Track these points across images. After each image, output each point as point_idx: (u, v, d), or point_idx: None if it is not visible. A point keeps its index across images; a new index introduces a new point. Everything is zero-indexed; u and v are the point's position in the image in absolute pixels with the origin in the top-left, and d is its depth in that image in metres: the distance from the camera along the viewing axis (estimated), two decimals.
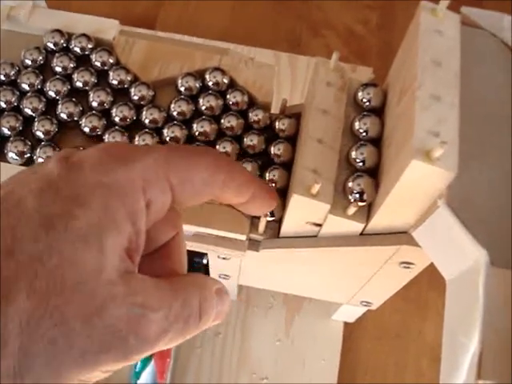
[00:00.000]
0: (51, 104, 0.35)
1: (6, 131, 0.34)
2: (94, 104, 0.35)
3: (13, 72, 0.36)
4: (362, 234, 0.31)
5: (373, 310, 0.46)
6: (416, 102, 0.25)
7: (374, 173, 0.30)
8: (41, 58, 0.36)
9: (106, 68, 0.36)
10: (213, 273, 0.42)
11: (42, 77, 0.36)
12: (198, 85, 0.36)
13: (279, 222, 0.34)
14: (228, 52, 0.38)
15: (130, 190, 0.18)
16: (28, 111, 0.35)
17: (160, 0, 0.69)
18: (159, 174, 0.19)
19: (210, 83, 0.36)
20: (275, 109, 0.37)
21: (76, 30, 0.37)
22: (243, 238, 0.33)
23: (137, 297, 0.18)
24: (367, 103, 0.32)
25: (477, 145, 0.28)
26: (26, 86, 0.35)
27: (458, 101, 0.26)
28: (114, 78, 0.36)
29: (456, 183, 0.25)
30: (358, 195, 0.29)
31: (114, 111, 0.35)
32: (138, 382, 0.49)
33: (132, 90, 0.36)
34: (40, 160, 0.33)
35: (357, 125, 0.31)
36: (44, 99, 0.35)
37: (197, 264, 0.48)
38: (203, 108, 0.36)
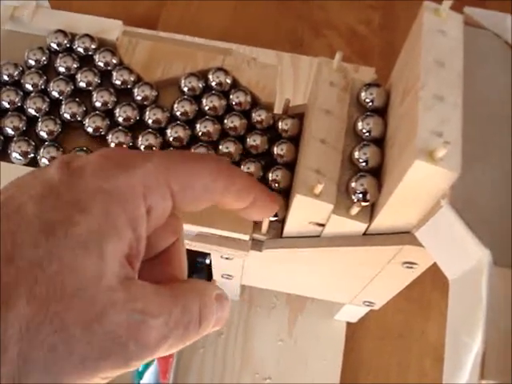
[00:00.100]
0: (55, 104, 0.35)
1: (9, 131, 0.34)
2: (98, 104, 0.35)
3: (16, 72, 0.36)
4: (365, 234, 0.31)
5: (375, 310, 0.46)
6: (419, 102, 0.25)
7: (377, 173, 0.30)
8: (44, 58, 0.37)
9: (109, 68, 0.37)
10: (216, 273, 0.42)
11: (45, 77, 0.36)
12: (201, 85, 0.36)
13: (282, 222, 0.34)
14: (231, 52, 0.38)
15: (130, 196, 0.18)
16: (31, 111, 0.35)
17: (162, 0, 0.69)
18: (160, 180, 0.19)
19: (213, 83, 0.36)
20: (278, 109, 0.37)
21: (79, 30, 0.38)
22: (246, 237, 0.33)
23: (137, 303, 0.17)
24: (370, 103, 0.32)
25: (480, 145, 0.28)
26: (29, 87, 0.35)
27: (461, 101, 0.26)
28: (117, 79, 0.36)
29: (459, 183, 0.25)
30: (361, 195, 0.29)
31: (117, 111, 0.35)
32: (141, 381, 0.49)
33: (135, 91, 0.36)
34: (43, 160, 0.33)
35: (360, 125, 0.31)
36: (47, 99, 0.35)
37: (200, 264, 0.48)
38: (206, 108, 0.36)
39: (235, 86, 0.37)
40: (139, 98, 0.36)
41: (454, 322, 0.26)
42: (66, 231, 0.17)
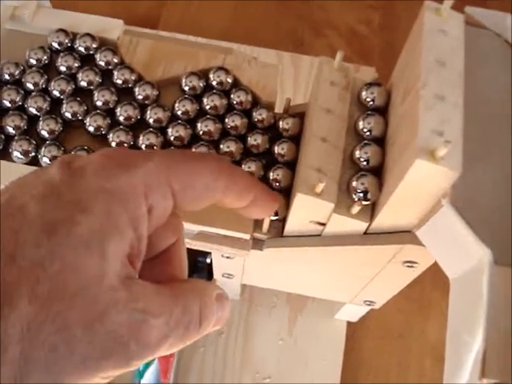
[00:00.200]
0: (56, 103, 0.35)
1: (10, 130, 0.34)
2: (99, 103, 0.35)
3: (17, 71, 0.36)
4: (365, 233, 0.32)
5: (376, 310, 0.46)
6: (420, 102, 0.25)
7: (377, 172, 0.30)
8: (45, 57, 0.37)
9: (110, 67, 0.37)
10: (216, 272, 0.42)
11: (46, 76, 0.36)
12: (202, 84, 0.36)
13: (283, 221, 0.34)
14: (232, 51, 0.38)
15: (132, 196, 0.18)
16: (33, 110, 0.35)
17: (162, 0, 0.69)
18: (161, 180, 0.19)
19: (214, 83, 0.37)
20: (279, 108, 0.37)
21: (80, 29, 0.38)
22: (247, 237, 0.33)
23: (138, 303, 0.18)
24: (371, 102, 0.32)
25: (481, 145, 0.28)
26: (30, 86, 0.35)
27: (461, 101, 0.26)
28: (118, 78, 0.36)
29: (460, 183, 0.25)
30: (361, 194, 0.29)
31: (118, 110, 0.35)
32: (142, 381, 0.49)
33: (136, 90, 0.36)
34: (44, 159, 0.33)
35: (361, 124, 0.31)
36: (48, 98, 0.35)
37: (200, 263, 0.48)
38: (207, 107, 0.36)
39: (236, 85, 0.37)
40: (140, 97, 0.36)
41: (454, 321, 0.27)
42: (67, 231, 0.17)
